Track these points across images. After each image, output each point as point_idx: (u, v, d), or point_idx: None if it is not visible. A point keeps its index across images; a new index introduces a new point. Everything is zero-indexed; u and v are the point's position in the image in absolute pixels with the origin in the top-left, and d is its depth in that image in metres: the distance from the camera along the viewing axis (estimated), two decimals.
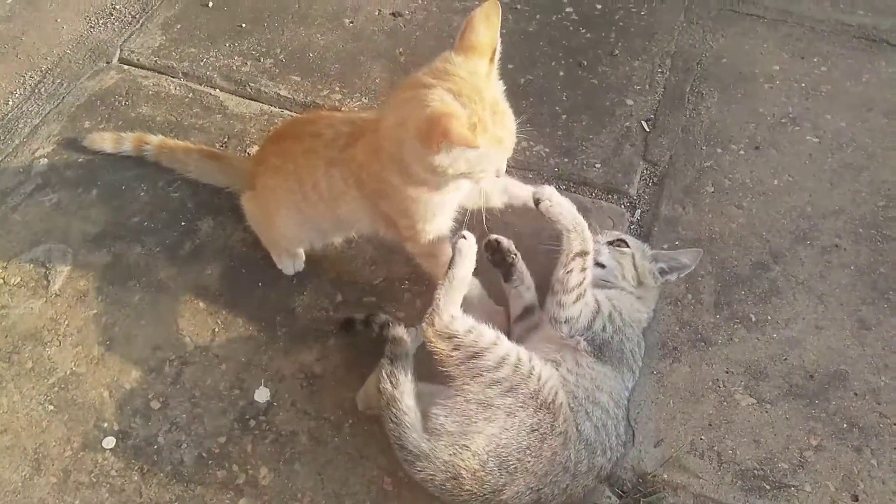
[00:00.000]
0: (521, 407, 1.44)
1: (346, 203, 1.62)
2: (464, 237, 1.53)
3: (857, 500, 1.57)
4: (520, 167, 2.14)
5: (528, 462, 1.42)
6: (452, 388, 1.47)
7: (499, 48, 1.41)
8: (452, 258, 1.52)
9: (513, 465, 1.41)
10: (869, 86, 2.36)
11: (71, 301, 1.84)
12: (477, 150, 1.32)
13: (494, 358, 1.45)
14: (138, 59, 2.41)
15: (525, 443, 1.42)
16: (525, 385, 1.45)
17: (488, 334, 1.48)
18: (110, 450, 1.62)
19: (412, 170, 1.42)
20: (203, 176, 2.02)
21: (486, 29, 1.38)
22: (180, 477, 1.59)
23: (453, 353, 1.45)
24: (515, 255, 1.76)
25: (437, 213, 1.57)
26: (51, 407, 1.68)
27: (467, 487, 1.41)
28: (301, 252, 1.88)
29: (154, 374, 1.73)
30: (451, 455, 1.41)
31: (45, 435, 1.64)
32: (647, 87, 2.35)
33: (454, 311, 1.49)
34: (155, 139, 2.06)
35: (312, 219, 1.71)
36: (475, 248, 1.54)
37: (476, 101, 1.32)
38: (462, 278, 1.52)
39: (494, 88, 1.39)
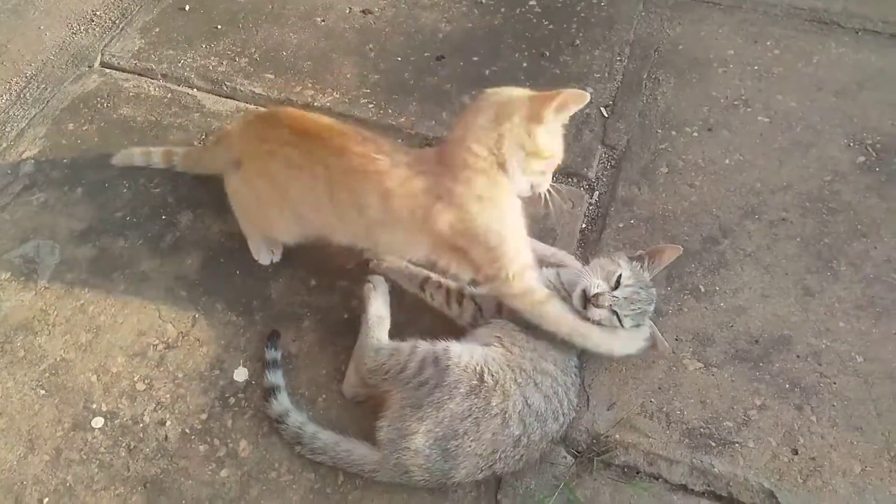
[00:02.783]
0: (448, 398, 1.54)
1: (397, 231, 1.64)
2: (370, 282, 1.80)
3: (796, 453, 1.68)
4: None
5: (468, 446, 1.53)
6: (389, 399, 1.61)
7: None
8: (366, 300, 1.77)
9: (453, 451, 1.52)
10: (819, 67, 2.47)
11: (59, 293, 1.95)
12: (559, 138, 1.59)
13: (415, 364, 1.59)
14: (119, 63, 2.52)
15: (461, 429, 1.53)
16: (447, 376, 1.55)
17: (405, 347, 1.64)
18: (99, 429, 1.73)
19: (504, 161, 1.54)
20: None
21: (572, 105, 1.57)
22: (165, 452, 1.70)
23: (386, 377, 1.61)
24: None
25: (522, 242, 1.62)
26: (42, 391, 1.79)
27: (418, 478, 1.55)
28: (281, 244, 1.97)
29: (139, 358, 1.83)
30: (396, 459, 1.54)
31: (38, 417, 1.74)
32: (607, 74, 2.46)
33: (376, 344, 1.68)
34: (181, 150, 2.13)
35: (328, 226, 1.75)
36: (385, 284, 1.83)
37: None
38: (378, 315, 1.75)
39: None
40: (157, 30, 2.62)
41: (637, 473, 1.66)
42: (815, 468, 1.66)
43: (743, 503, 1.62)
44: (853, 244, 2.02)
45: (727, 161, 2.20)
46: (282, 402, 1.71)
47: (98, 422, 1.74)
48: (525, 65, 2.49)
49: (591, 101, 2.33)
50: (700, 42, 2.55)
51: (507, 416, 1.54)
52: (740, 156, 2.22)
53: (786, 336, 1.85)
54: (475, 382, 1.55)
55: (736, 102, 2.36)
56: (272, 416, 1.70)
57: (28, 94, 2.42)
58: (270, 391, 1.72)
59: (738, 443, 1.69)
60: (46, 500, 1.63)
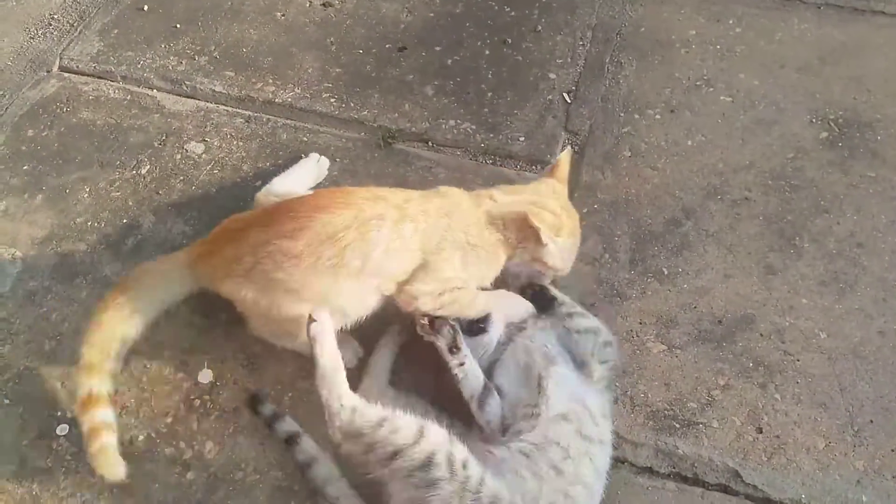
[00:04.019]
0: None
1: None
2: (314, 320, 1.46)
3: (761, 431, 1.69)
4: (448, 145, 2.24)
5: None
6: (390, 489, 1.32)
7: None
8: (312, 348, 1.44)
9: None
10: (782, 44, 2.47)
11: (21, 301, 1.93)
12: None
13: (420, 457, 1.24)
14: (78, 66, 2.49)
15: None
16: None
17: (407, 427, 1.28)
18: (64, 436, 1.72)
19: None
20: None
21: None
22: (131, 456, 1.68)
23: (369, 456, 1.28)
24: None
25: None
26: (7, 401, 1.77)
27: None
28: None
29: None
30: None
31: (2, 427, 1.73)
32: (569, 59, 2.45)
33: (353, 402, 1.35)
34: None
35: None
36: (330, 322, 1.48)
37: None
38: (331, 363, 1.44)
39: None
40: (115, 31, 2.59)
41: None
42: (780, 446, 1.67)
43: (708, 483, 1.63)
44: (816, 220, 2.03)
45: (690, 142, 2.20)
46: (305, 448, 1.62)
47: (63, 429, 1.73)
48: (487, 52, 2.48)
49: (553, 87, 2.37)
50: (662, 23, 2.54)
51: None
52: (703, 136, 2.22)
53: (749, 315, 1.86)
54: None
55: (698, 83, 2.36)
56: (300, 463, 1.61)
57: None
58: (289, 440, 1.64)
59: (702, 423, 1.70)
60: None
